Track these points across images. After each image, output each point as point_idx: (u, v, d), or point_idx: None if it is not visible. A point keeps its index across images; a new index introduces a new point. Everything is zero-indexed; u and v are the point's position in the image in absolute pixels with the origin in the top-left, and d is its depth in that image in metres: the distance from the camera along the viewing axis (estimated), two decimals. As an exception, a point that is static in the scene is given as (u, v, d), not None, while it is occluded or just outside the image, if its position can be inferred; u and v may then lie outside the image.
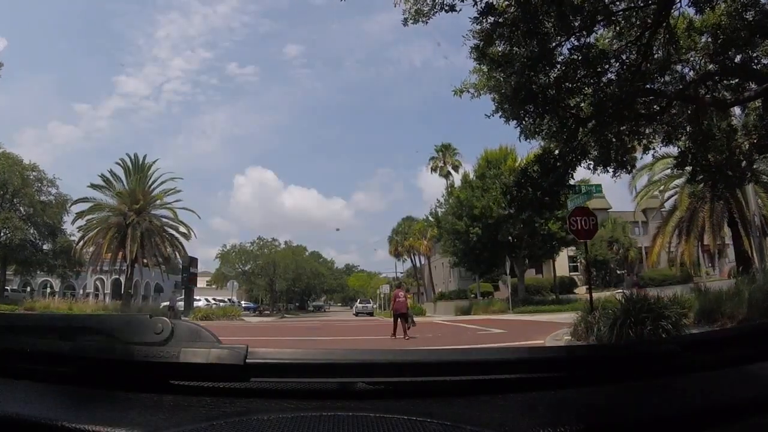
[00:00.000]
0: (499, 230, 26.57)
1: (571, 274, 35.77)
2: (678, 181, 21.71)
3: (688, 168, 8.68)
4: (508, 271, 26.65)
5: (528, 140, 8.57)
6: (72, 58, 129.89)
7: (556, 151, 8.32)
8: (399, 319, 12.74)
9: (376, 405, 0.80)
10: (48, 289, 44.22)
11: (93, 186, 30.60)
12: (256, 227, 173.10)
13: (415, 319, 27.88)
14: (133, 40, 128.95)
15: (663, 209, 24.86)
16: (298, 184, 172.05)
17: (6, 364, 0.92)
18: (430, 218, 32.63)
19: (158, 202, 30.44)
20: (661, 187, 22.49)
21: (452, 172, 40.93)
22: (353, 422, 0.72)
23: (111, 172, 30.67)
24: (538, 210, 9.10)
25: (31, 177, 28.78)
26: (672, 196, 22.58)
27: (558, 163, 7.96)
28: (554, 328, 11.92)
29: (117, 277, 35.47)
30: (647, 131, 9.45)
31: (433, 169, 42.82)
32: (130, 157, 30.97)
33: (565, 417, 0.74)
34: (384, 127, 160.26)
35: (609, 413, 0.76)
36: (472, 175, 29.06)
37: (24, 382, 0.89)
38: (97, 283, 47.20)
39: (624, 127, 8.51)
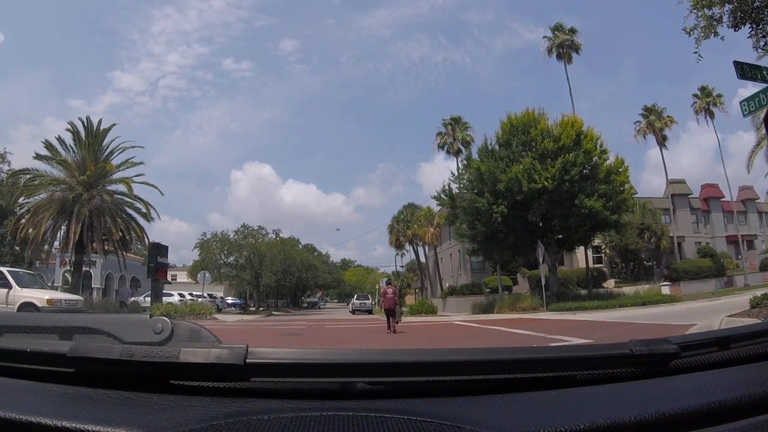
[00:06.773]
0: (529, 209, 20.66)
1: (595, 266, 30.08)
2: None
3: None
4: (541, 259, 21.17)
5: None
6: (66, 53, 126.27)
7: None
8: (390, 315, 13.82)
9: (376, 405, 0.82)
10: (16, 283, 37.97)
11: (38, 156, 24.48)
12: (255, 223, 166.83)
13: (428, 318, 21.99)
14: (127, 36, 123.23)
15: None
16: (296, 180, 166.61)
17: (6, 364, 0.92)
18: (443, 196, 26.61)
19: (115, 175, 24.34)
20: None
21: (462, 148, 35.04)
22: (353, 422, 0.74)
23: (59, 138, 24.81)
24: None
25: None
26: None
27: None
28: (664, 332, 8.18)
29: (87, 269, 29.57)
30: None
31: (441, 146, 37.85)
32: (82, 121, 25.01)
33: (565, 417, 0.75)
34: (383, 122, 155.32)
35: (609, 413, 0.77)
36: (493, 143, 23.12)
37: (24, 382, 0.89)
38: (67, 275, 40.90)
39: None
